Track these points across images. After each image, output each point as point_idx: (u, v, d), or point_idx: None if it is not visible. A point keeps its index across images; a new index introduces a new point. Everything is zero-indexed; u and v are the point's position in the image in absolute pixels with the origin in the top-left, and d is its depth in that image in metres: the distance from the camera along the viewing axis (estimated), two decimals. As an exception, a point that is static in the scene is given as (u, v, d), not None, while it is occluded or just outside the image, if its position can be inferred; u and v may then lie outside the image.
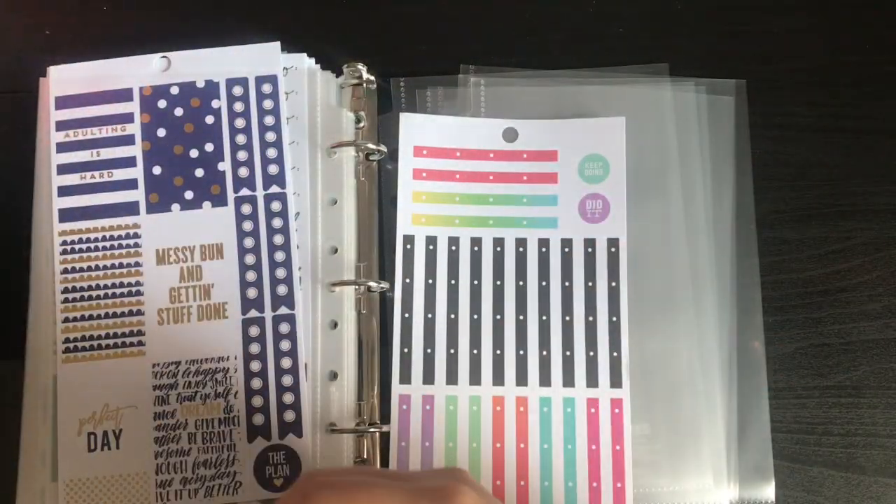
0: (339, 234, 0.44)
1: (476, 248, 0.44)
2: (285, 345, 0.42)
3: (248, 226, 0.43)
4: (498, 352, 0.43)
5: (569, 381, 0.43)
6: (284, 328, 0.42)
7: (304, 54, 0.46)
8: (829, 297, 0.45)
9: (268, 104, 0.45)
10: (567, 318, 0.43)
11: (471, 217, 0.45)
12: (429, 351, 0.43)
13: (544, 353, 0.43)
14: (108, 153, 0.44)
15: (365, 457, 0.42)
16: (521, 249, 0.44)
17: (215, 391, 0.42)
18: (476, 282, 0.44)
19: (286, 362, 0.42)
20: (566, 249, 0.44)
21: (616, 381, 0.42)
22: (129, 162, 0.44)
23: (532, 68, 0.46)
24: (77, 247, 0.43)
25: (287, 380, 0.42)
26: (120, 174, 0.44)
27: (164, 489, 0.41)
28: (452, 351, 0.43)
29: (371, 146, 0.45)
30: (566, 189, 0.45)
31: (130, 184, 0.44)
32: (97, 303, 0.43)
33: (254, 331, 0.42)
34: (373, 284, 0.43)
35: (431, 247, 0.44)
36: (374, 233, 0.45)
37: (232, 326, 0.42)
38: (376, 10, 0.48)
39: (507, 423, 0.42)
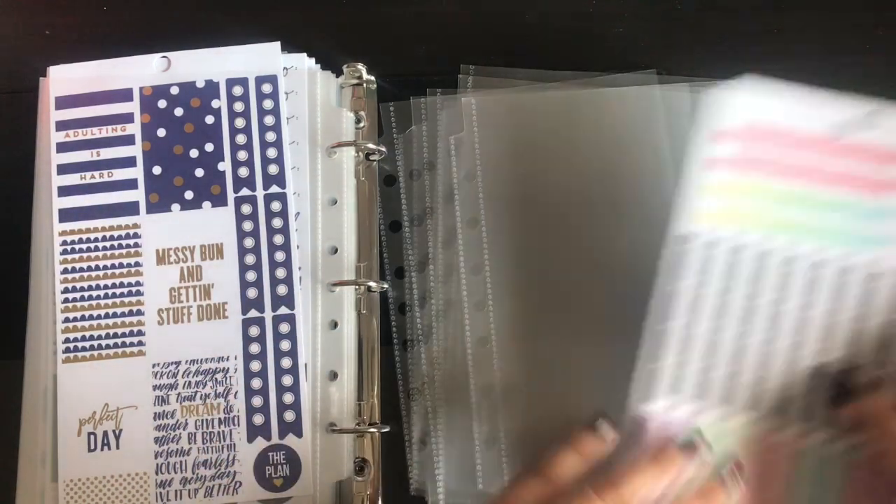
0: (339, 234, 0.44)
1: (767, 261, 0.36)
2: (285, 345, 0.42)
3: (248, 226, 0.43)
4: None
5: None
6: (284, 328, 0.42)
7: (304, 54, 0.46)
8: (829, 297, 0.45)
9: (268, 104, 0.45)
10: None
11: (777, 220, 0.36)
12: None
13: None
14: (108, 153, 0.44)
15: (365, 457, 0.42)
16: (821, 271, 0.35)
17: (215, 391, 0.42)
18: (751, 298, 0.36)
19: (286, 362, 0.42)
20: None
21: None
22: (129, 162, 0.44)
23: (532, 68, 0.46)
24: (77, 247, 0.43)
25: (287, 380, 0.42)
26: (120, 174, 0.44)
27: (164, 489, 0.41)
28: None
29: (371, 146, 0.45)
30: None
31: (130, 184, 0.44)
32: (97, 303, 0.43)
33: (254, 331, 0.42)
34: (373, 284, 0.43)
35: (715, 250, 0.36)
36: (375, 233, 0.45)
37: (232, 326, 0.42)
38: (376, 10, 0.48)
39: None
